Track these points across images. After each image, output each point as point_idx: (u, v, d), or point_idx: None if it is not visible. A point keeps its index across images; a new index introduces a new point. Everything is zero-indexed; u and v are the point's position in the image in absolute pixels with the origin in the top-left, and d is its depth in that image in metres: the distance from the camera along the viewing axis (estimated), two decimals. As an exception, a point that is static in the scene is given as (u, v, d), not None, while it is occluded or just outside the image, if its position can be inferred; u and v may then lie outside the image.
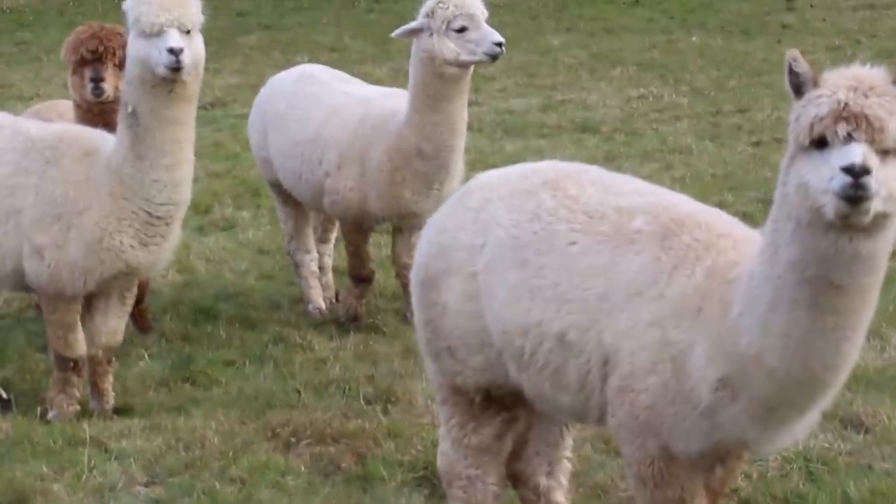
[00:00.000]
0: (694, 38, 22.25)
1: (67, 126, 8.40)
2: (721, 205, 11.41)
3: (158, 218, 7.91)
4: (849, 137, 4.45)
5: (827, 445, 7.51)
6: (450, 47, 8.79)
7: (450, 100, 9.03)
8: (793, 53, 4.73)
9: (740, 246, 5.29)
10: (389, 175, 9.36)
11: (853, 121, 4.46)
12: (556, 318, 5.49)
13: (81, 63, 8.76)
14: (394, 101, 9.75)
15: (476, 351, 5.88)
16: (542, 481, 6.47)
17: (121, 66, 8.44)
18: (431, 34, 8.82)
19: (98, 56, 8.68)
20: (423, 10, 8.94)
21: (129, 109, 7.63)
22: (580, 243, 5.52)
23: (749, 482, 7.14)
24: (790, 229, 4.70)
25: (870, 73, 4.65)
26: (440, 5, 8.83)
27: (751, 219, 5.10)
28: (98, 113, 8.72)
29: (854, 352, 4.92)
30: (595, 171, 6.00)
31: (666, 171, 13.87)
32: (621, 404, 5.35)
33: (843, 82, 4.59)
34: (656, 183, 12.49)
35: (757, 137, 15.12)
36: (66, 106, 9.92)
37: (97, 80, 8.66)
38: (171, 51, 7.38)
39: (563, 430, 6.46)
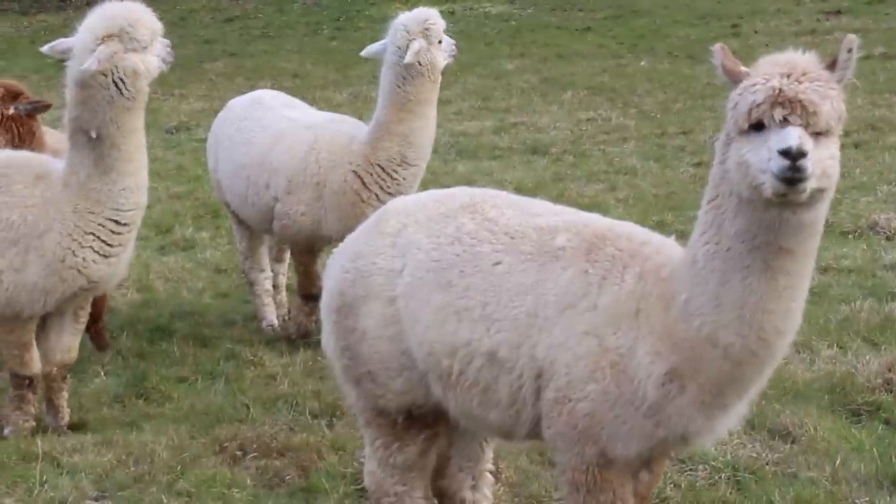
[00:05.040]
0: (643, 63, 22.61)
1: (11, 152, 8.54)
2: (661, 224, 11.80)
3: (125, 225, 8.07)
4: (784, 121, 4.70)
5: (755, 455, 7.72)
6: (442, 56, 9.67)
7: (432, 103, 9.74)
8: (718, 46, 5.07)
9: (663, 250, 5.54)
10: (354, 195, 9.74)
11: (788, 105, 4.70)
12: (486, 336, 5.62)
13: None
14: (345, 126, 10.17)
15: (397, 374, 5.99)
16: (468, 496, 6.66)
17: None
18: (427, 47, 9.53)
19: None
20: (415, 28, 9.52)
21: (94, 135, 7.78)
22: (505, 263, 5.67)
23: (678, 491, 7.34)
24: (733, 204, 4.95)
25: (802, 59, 4.88)
26: (431, 24, 9.60)
27: (688, 237, 5.34)
28: None
29: (799, 315, 5.14)
30: (507, 195, 6.18)
31: (610, 192, 14.18)
32: (559, 415, 5.49)
33: (776, 69, 4.82)
34: (600, 203, 12.98)
35: (698, 158, 15.40)
36: (46, 131, 10.16)
37: None
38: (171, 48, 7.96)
39: (483, 444, 6.63)
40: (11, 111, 9.11)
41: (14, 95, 9.20)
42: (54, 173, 8.08)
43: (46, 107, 9.32)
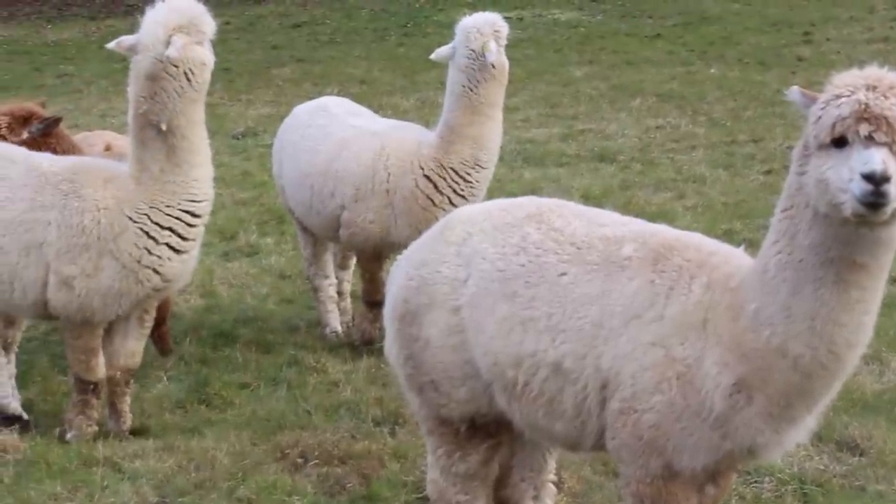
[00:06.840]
0: (712, 70, 22.34)
1: (78, 158, 8.64)
2: (730, 232, 11.69)
3: (198, 217, 8.20)
4: (869, 138, 4.59)
5: (822, 467, 7.64)
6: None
7: (499, 105, 9.86)
8: (794, 89, 4.96)
9: (732, 259, 5.47)
10: (426, 200, 9.78)
11: (874, 122, 4.59)
12: (551, 347, 5.58)
13: None
14: (410, 132, 10.23)
15: (460, 383, 5.96)
16: None
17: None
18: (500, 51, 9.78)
19: None
20: (488, 30, 9.64)
21: (164, 127, 7.89)
22: (571, 273, 5.62)
23: (743, 503, 7.27)
24: (808, 216, 4.87)
25: (887, 74, 4.77)
26: (501, 26, 9.74)
27: (757, 245, 5.28)
28: None
29: (871, 328, 5.05)
30: (573, 205, 6.12)
31: (679, 200, 14.07)
32: (623, 426, 5.44)
33: (860, 81, 4.72)
34: (668, 211, 12.88)
35: (769, 166, 15.25)
36: (111, 136, 10.18)
37: None
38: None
39: (545, 454, 6.58)
40: (25, 136, 9.04)
41: (23, 120, 9.12)
42: (122, 175, 8.16)
43: (58, 121, 9.28)
